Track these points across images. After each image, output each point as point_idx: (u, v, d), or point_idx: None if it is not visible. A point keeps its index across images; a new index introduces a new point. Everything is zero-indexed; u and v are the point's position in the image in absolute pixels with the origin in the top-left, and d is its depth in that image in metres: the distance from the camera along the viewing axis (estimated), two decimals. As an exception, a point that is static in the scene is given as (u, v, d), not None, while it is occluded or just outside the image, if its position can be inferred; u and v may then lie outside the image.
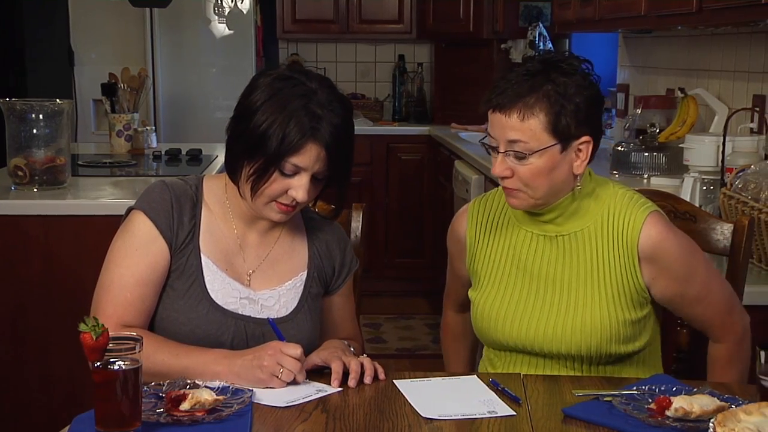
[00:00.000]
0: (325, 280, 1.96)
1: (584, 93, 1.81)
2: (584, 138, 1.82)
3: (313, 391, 1.67)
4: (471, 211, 2.01)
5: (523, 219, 1.95)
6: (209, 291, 1.82)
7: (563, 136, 1.80)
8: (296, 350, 1.67)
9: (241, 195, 1.82)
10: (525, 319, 1.90)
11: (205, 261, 1.83)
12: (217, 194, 1.88)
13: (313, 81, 1.77)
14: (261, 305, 1.85)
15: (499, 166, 1.83)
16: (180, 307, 1.81)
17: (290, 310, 1.88)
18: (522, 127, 1.78)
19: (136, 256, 1.80)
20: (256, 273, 1.88)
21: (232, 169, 1.82)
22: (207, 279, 1.82)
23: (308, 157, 1.73)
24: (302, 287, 1.90)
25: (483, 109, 1.85)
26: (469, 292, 2.00)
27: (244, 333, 1.82)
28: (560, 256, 1.90)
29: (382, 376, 1.75)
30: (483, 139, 1.89)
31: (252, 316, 1.84)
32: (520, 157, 1.80)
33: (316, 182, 1.78)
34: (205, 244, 1.84)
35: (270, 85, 1.76)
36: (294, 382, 1.67)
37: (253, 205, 1.80)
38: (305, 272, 1.92)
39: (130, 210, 1.85)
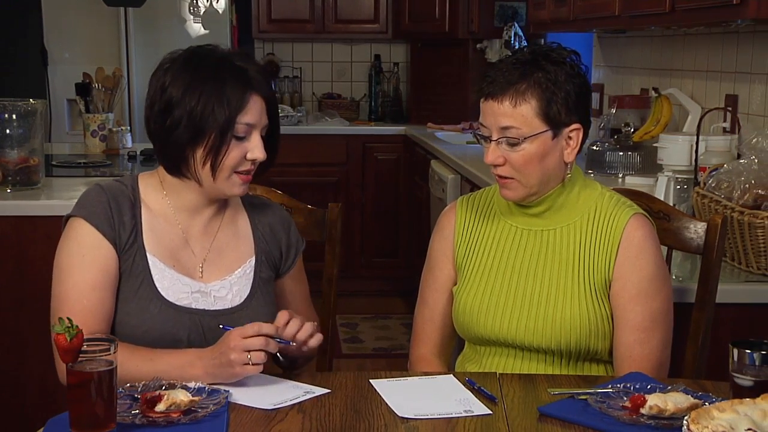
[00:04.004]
0: (273, 263, 1.95)
1: (574, 81, 1.85)
2: (574, 126, 1.86)
3: (300, 392, 1.66)
4: (459, 207, 2.03)
5: (509, 214, 1.97)
6: (159, 289, 1.80)
7: (554, 122, 1.84)
8: (254, 328, 1.65)
9: (198, 182, 1.80)
10: (506, 312, 1.91)
11: (151, 260, 1.81)
12: (155, 191, 1.87)
13: (216, 49, 1.83)
14: (213, 297, 1.84)
15: (491, 154, 1.86)
16: (131, 309, 1.80)
17: (243, 298, 1.87)
18: (514, 113, 1.82)
19: (86, 263, 1.78)
20: (205, 264, 1.87)
21: (175, 164, 1.80)
22: (155, 278, 1.81)
23: (256, 111, 1.77)
24: (252, 273, 1.90)
25: (475, 99, 1.88)
26: (452, 289, 2.01)
27: (199, 327, 1.81)
28: (543, 251, 1.92)
29: (314, 342, 1.75)
30: (476, 131, 1.92)
31: (206, 309, 1.83)
32: (513, 143, 1.84)
33: (264, 140, 1.81)
34: (149, 242, 1.82)
35: (182, 69, 1.78)
36: (272, 381, 1.66)
37: (215, 185, 1.79)
38: (253, 258, 1.91)
39: (68, 218, 1.83)
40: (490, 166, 1.89)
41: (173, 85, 1.76)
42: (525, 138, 1.83)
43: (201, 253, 1.87)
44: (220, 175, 1.78)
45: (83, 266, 1.77)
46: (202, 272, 1.86)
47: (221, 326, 1.77)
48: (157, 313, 1.79)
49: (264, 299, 1.89)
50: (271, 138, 1.84)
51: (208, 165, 1.76)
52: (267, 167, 1.88)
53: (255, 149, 1.78)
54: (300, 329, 1.72)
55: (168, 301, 1.80)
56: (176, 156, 1.79)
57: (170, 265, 1.83)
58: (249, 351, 1.64)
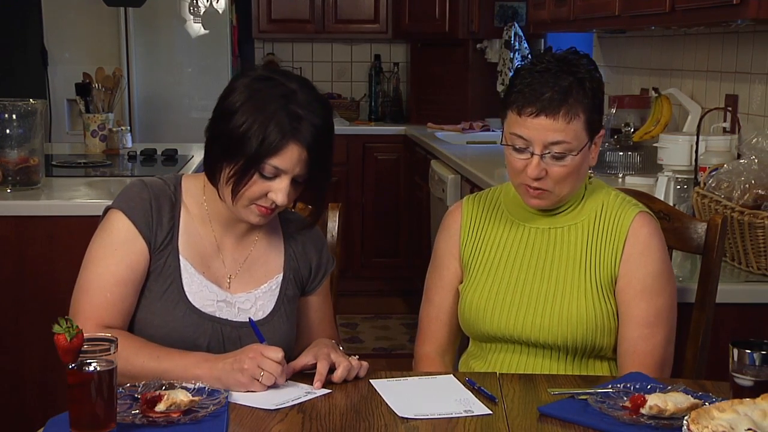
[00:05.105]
0: (301, 281, 1.95)
1: (598, 85, 1.87)
2: (602, 131, 1.89)
3: (302, 393, 1.66)
4: (465, 206, 2.04)
5: (517, 214, 1.98)
6: (187, 293, 1.80)
7: (593, 131, 1.86)
8: (277, 353, 1.66)
9: (220, 197, 1.80)
10: (513, 309, 1.92)
11: (183, 263, 1.81)
12: (195, 195, 1.86)
13: (293, 82, 1.76)
14: (238, 308, 1.84)
15: (535, 169, 1.84)
16: (157, 309, 1.80)
17: (267, 312, 1.87)
18: (567, 129, 1.82)
19: (116, 256, 1.78)
20: (235, 277, 1.87)
21: (211, 171, 1.80)
22: (185, 281, 1.81)
23: (289, 159, 1.72)
24: (278, 290, 1.89)
25: (520, 114, 1.83)
26: (459, 286, 2.01)
27: (220, 336, 1.81)
28: (549, 249, 1.93)
29: (362, 373, 1.75)
30: (502, 141, 1.90)
31: (229, 319, 1.83)
32: (559, 157, 1.83)
33: (296, 185, 1.77)
34: (184, 245, 1.82)
35: (249, 86, 1.75)
36: (275, 386, 1.66)
37: (233, 207, 1.78)
38: (281, 274, 1.91)
39: (107, 209, 1.83)
40: (518, 175, 1.87)
41: (233, 98, 1.75)
42: (573, 152, 1.83)
43: (232, 266, 1.86)
44: (238, 202, 1.76)
45: (112, 259, 1.77)
46: (229, 283, 1.86)
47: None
48: (181, 317, 1.79)
49: (286, 317, 1.89)
50: (311, 186, 1.80)
51: (230, 187, 1.75)
52: (317, 218, 1.89)
53: (278, 193, 1.73)
54: (346, 373, 1.72)
55: (193, 306, 1.80)
56: (211, 165, 1.79)
57: (200, 271, 1.83)
58: (262, 369, 1.64)
